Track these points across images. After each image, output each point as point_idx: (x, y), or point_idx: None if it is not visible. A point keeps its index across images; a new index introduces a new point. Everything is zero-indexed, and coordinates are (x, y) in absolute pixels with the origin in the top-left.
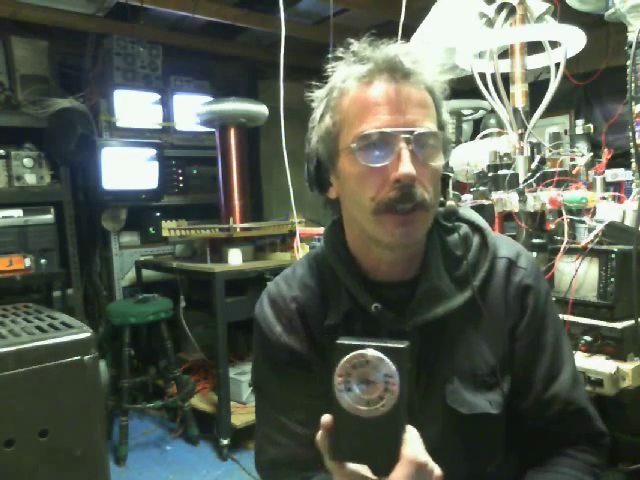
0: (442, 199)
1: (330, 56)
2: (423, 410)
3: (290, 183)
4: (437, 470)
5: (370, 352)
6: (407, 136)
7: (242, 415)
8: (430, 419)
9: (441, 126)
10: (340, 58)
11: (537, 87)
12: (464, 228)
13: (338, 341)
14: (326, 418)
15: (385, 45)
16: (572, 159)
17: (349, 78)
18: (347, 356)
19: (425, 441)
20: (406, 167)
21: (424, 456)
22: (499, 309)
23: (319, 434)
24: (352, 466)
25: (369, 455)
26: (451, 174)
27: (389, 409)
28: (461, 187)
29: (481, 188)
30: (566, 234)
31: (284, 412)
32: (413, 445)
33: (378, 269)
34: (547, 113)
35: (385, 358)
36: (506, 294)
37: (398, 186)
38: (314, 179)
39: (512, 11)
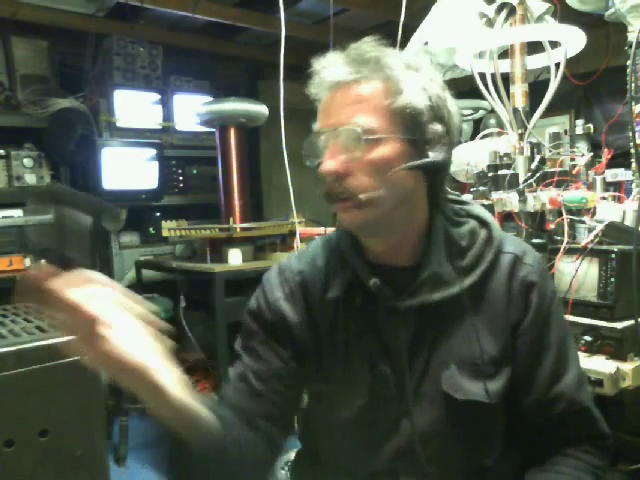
0: (454, 194)
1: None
2: (418, 395)
3: (290, 183)
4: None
5: None
6: (329, 134)
7: None
8: (425, 405)
9: (404, 110)
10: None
11: (537, 87)
12: (472, 222)
13: None
14: None
15: (338, 52)
16: (572, 159)
17: (313, 89)
18: None
19: (420, 428)
20: (326, 164)
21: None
22: (500, 301)
23: None
24: None
25: None
26: (429, 160)
27: None
28: (461, 187)
29: (481, 188)
30: (566, 234)
31: (250, 358)
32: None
33: (375, 253)
34: (547, 113)
35: None
36: (509, 288)
37: (328, 181)
38: None
39: (512, 11)
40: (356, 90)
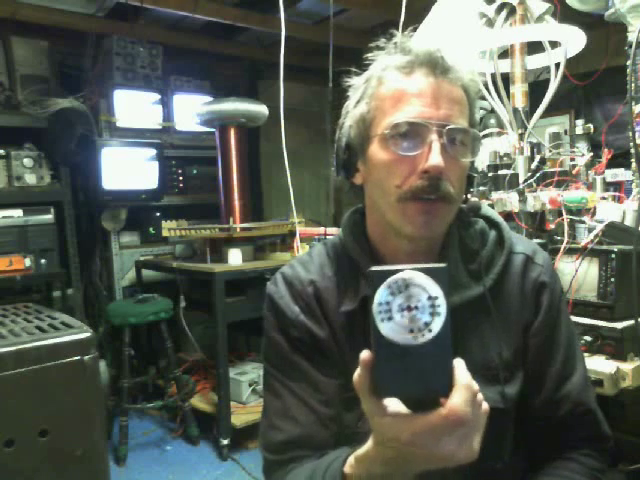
0: (464, 197)
1: (372, 45)
2: None
3: (290, 183)
4: (485, 404)
5: (411, 274)
6: (439, 129)
7: (242, 415)
8: None
9: (472, 125)
10: (381, 48)
11: (537, 87)
12: (481, 223)
13: (371, 269)
14: (365, 354)
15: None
16: (572, 159)
17: (389, 67)
18: (385, 282)
19: None
20: (436, 159)
21: (475, 384)
22: (514, 303)
23: (356, 374)
24: (394, 407)
25: (417, 387)
26: (475, 174)
27: (437, 334)
28: None
29: (481, 188)
30: (566, 234)
31: (304, 387)
32: (465, 371)
33: (396, 259)
34: (547, 113)
35: (429, 278)
36: (522, 289)
37: (426, 176)
38: (342, 163)
39: (512, 11)
40: (459, 89)
